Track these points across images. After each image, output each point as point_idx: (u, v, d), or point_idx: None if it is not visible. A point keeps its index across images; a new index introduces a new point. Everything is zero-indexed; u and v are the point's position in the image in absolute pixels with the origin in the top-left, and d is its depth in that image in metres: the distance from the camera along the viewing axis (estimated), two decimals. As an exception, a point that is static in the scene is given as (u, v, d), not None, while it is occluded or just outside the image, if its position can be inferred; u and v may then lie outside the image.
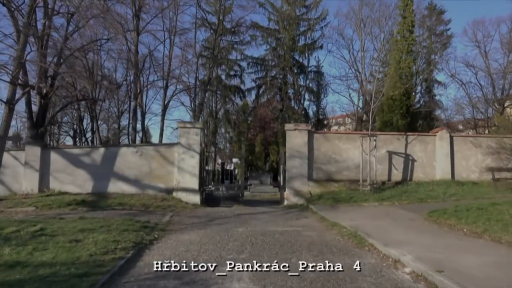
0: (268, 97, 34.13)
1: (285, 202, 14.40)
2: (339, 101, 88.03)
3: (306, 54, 37.40)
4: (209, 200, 14.64)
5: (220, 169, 24.29)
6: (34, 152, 13.97)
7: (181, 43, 30.69)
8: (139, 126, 35.14)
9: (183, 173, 14.04)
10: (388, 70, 24.41)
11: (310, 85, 37.91)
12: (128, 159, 14.23)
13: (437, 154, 15.31)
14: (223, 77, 37.60)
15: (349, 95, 40.84)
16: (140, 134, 32.63)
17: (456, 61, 35.94)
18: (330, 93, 52.41)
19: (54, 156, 14.12)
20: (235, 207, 13.61)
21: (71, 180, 13.91)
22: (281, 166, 15.84)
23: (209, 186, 22.35)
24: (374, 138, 14.17)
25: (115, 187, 13.98)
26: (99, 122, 39.80)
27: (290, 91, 36.74)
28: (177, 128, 15.53)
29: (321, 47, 37.89)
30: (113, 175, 14.06)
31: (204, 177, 28.23)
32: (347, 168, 14.90)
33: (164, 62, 30.27)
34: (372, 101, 14.47)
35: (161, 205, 12.66)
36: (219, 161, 33.68)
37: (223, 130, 41.56)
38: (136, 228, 8.43)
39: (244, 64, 38.09)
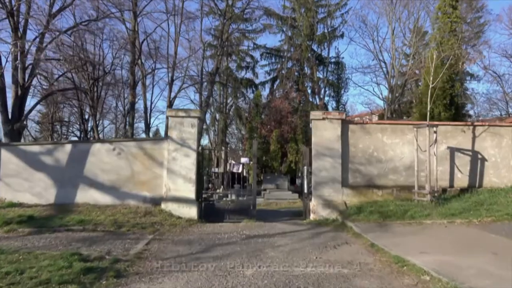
0: (283, 90, 30.60)
1: (311, 216, 10.72)
2: (362, 94, 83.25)
3: (326, 44, 33.90)
4: (210, 212, 11.04)
5: (228, 171, 20.79)
6: (-21, 151, 10.65)
7: (187, 32, 27.75)
8: (142, 125, 32.19)
9: (175, 178, 10.49)
10: (428, 53, 20.43)
11: (330, 77, 34.37)
12: (103, 159, 10.74)
13: (515, 151, 11.39)
14: (234, 69, 34.33)
15: (377, 85, 36.98)
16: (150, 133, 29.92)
17: (490, 51, 32.20)
18: (352, 87, 48.53)
19: (6, 156, 10.71)
20: (244, 224, 10.02)
21: (27, 187, 10.49)
22: (305, 168, 12.17)
23: (218, 191, 18.89)
24: (435, 129, 10.29)
25: (86, 196, 10.51)
26: (106, 122, 37.44)
27: (308, 84, 33.23)
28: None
29: (341, 35, 34.42)
30: (83, 180, 10.60)
31: (213, 180, 24.78)
32: (394, 170, 11.12)
33: (170, 55, 27.26)
34: (431, 80, 10.51)
35: (141, 222, 9.11)
36: (232, 162, 30.43)
37: (235, 130, 38.10)
38: (70, 274, 4.90)
39: (257, 54, 34.77)
